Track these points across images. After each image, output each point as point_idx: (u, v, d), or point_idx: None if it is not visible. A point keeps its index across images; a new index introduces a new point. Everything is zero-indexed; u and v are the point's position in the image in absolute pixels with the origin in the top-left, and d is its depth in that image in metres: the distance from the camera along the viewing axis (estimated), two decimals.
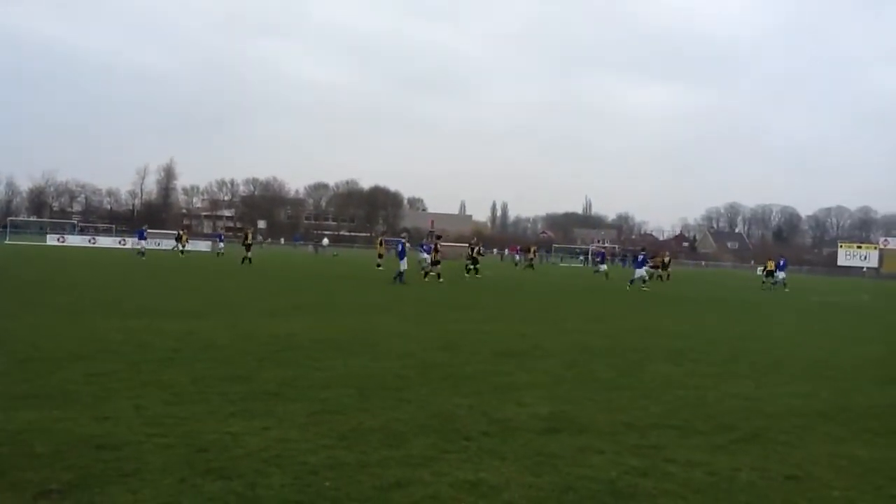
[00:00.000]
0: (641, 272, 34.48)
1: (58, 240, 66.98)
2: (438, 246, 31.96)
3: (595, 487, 4.97)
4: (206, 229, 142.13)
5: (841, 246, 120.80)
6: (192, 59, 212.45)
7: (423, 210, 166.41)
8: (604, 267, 45.81)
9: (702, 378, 9.78)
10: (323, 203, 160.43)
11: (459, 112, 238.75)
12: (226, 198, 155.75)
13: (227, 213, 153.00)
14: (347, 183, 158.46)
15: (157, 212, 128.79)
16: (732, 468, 5.60)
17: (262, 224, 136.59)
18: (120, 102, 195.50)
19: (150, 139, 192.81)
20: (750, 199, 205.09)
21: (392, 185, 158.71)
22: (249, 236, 41.50)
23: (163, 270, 30.49)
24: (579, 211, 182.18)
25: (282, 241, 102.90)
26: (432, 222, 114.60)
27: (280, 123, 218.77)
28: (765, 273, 47.03)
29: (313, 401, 7.09)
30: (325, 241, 80.00)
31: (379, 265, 38.16)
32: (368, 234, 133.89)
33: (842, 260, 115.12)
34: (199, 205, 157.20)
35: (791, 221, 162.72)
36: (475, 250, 38.51)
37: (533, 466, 5.35)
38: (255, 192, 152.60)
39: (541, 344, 12.30)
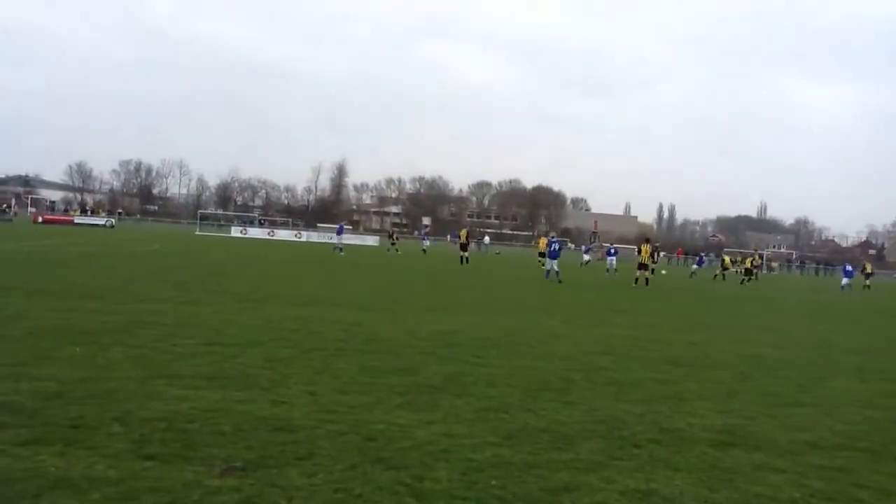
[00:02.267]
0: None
1: (240, 232, 71.71)
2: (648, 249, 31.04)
3: None
4: (375, 225, 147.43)
5: None
6: (360, 64, 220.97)
7: (587, 210, 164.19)
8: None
9: (893, 398, 8.96)
10: (485, 201, 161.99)
11: (626, 112, 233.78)
12: (393, 195, 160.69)
13: (394, 209, 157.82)
14: (510, 182, 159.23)
15: (329, 207, 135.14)
16: None
17: (426, 221, 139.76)
18: (298, 103, 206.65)
19: (325, 139, 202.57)
20: None
21: (555, 185, 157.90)
22: (464, 235, 41.64)
23: (341, 263, 31.85)
24: (753, 214, 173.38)
25: (447, 238, 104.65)
26: (595, 223, 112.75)
27: (445, 123, 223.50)
28: None
29: (478, 397, 7.11)
30: (487, 239, 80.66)
31: (541, 262, 38.71)
32: (530, 234, 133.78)
33: None
34: (368, 201, 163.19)
35: None
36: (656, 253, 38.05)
37: (708, 480, 5.08)
38: (421, 190, 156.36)
39: (710, 353, 11.73)
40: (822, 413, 7.72)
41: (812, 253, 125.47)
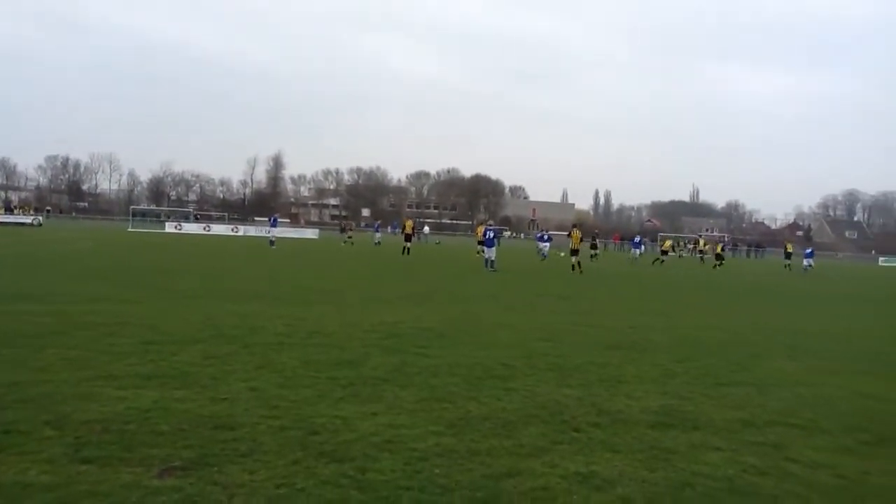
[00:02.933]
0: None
1: (175, 227, 70.23)
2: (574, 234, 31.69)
3: (713, 485, 4.78)
4: (314, 217, 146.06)
5: None
6: (298, 54, 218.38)
7: (525, 198, 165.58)
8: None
9: (824, 375, 9.29)
10: (425, 191, 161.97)
11: (562, 101, 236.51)
12: (331, 187, 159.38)
13: (332, 201, 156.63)
14: (449, 171, 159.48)
15: (266, 200, 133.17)
16: (862, 471, 5.29)
17: (366, 212, 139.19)
18: (232, 96, 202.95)
19: (260, 130, 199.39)
20: (871, 187, 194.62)
21: (493, 174, 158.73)
22: (409, 227, 42.02)
23: (279, 257, 31.45)
24: (686, 199, 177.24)
25: (388, 229, 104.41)
26: (534, 210, 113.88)
27: (383, 114, 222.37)
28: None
29: (421, 388, 7.13)
30: (427, 229, 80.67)
31: (479, 252, 39.15)
32: (470, 223, 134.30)
33: None
34: (305, 193, 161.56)
35: None
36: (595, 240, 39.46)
37: (647, 461, 5.20)
38: (360, 181, 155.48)
39: (649, 337, 11.98)
40: (756, 392, 7.97)
41: (743, 236, 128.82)
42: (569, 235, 32.07)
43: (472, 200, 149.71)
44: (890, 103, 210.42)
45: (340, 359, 8.41)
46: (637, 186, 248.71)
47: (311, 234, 75.45)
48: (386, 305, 14.36)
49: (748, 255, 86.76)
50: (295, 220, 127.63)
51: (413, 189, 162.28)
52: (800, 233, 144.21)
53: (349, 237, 55.16)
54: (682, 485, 4.75)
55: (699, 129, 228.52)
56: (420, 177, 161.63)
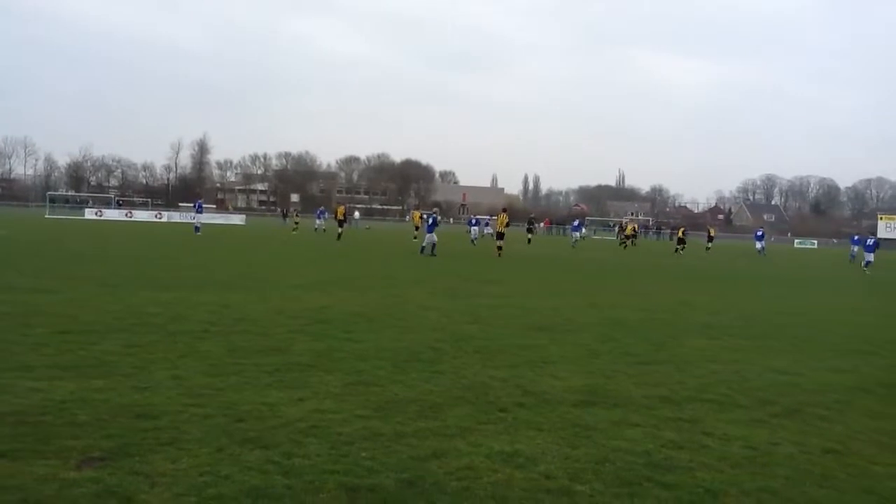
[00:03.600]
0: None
1: (95, 214, 68.07)
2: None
3: (631, 459, 4.94)
4: (241, 203, 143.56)
5: (881, 218, 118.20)
6: (226, 36, 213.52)
7: (455, 183, 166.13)
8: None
9: (738, 352, 9.67)
10: (355, 177, 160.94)
11: (492, 86, 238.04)
12: (259, 172, 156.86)
13: (260, 186, 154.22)
14: (379, 157, 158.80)
15: (191, 186, 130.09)
16: (771, 442, 5.54)
17: (295, 198, 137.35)
18: (154, 77, 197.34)
19: (184, 114, 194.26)
20: (787, 171, 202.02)
21: (424, 159, 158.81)
22: (341, 213, 41.69)
23: (205, 243, 30.80)
24: (613, 183, 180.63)
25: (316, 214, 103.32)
26: (465, 195, 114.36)
27: (313, 98, 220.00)
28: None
29: (348, 372, 7.14)
30: (357, 214, 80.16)
31: (415, 237, 40.71)
32: (400, 208, 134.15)
33: (882, 232, 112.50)
34: (232, 179, 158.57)
35: (830, 193, 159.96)
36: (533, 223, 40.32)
37: (569, 438, 5.34)
38: (288, 166, 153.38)
39: (574, 318, 12.23)
40: (674, 369, 8.24)
41: (667, 219, 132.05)
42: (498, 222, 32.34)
43: (402, 186, 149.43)
44: (804, 92, 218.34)
45: (266, 345, 8.34)
46: (565, 171, 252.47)
47: (238, 219, 74.15)
48: (314, 291, 14.25)
49: (671, 238, 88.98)
50: (221, 206, 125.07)
51: (343, 174, 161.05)
52: (721, 216, 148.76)
53: (296, 223, 54.68)
54: (602, 460, 4.90)
55: (626, 115, 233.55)
56: (350, 162, 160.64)
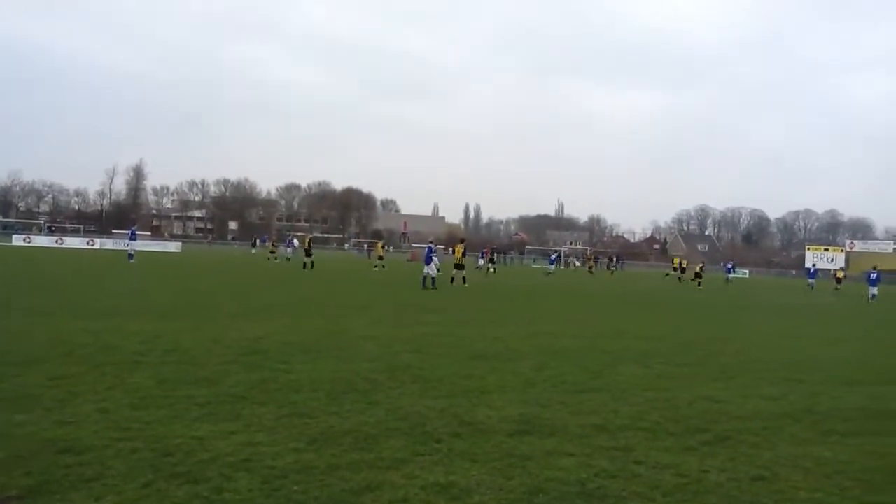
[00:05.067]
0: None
1: (24, 240, 65.92)
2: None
3: (565, 489, 4.97)
4: (177, 230, 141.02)
5: (808, 248, 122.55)
6: (163, 59, 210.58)
7: (397, 211, 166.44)
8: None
9: (672, 380, 9.83)
10: (295, 204, 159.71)
11: (433, 115, 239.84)
12: (196, 198, 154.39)
13: (197, 213, 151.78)
14: (320, 184, 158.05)
15: (125, 212, 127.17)
16: (701, 470, 5.63)
17: (233, 225, 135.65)
18: (89, 101, 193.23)
19: (120, 139, 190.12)
20: (720, 202, 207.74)
21: (365, 187, 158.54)
22: (310, 243, 42.52)
23: (139, 271, 30.07)
24: (552, 213, 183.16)
25: (257, 242, 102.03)
26: (406, 224, 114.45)
27: (253, 125, 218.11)
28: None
29: (282, 404, 7.02)
30: (297, 242, 79.38)
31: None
32: (341, 236, 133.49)
33: (809, 262, 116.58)
34: (169, 205, 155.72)
35: (760, 224, 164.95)
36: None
37: (503, 469, 5.34)
38: (227, 193, 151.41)
39: (513, 347, 12.29)
40: (610, 398, 8.33)
41: (605, 248, 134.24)
42: (453, 252, 32.57)
43: (343, 214, 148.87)
44: (738, 125, 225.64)
45: (198, 377, 8.15)
46: (506, 200, 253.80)
47: (173, 247, 72.69)
48: (251, 320, 14.03)
49: (608, 267, 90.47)
50: (157, 233, 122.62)
51: (283, 202, 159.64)
52: (657, 246, 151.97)
53: (272, 251, 55.96)
54: (536, 490, 4.91)
55: (565, 145, 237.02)
56: (290, 189, 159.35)
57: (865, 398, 9.33)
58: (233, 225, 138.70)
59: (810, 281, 55.22)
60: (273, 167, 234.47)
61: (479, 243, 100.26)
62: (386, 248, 49.91)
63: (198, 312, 15.04)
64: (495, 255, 56.96)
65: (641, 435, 6.66)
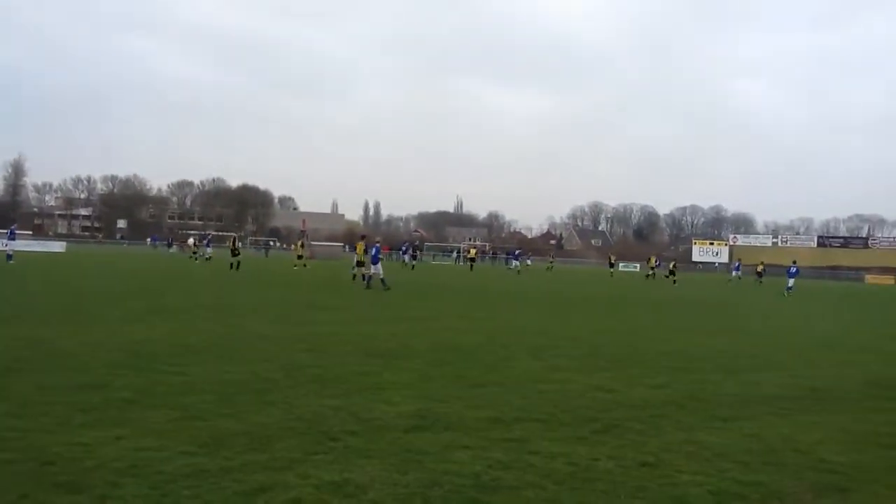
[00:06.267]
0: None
1: None
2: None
3: (460, 482, 5.03)
4: (61, 229, 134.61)
5: (695, 243, 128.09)
6: (47, 51, 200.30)
7: (295, 209, 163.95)
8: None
9: (565, 372, 10.10)
10: (188, 202, 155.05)
11: (332, 112, 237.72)
12: (82, 196, 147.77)
13: (83, 212, 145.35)
14: (214, 181, 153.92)
15: (5, 211, 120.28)
16: (591, 458, 5.82)
17: (122, 224, 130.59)
18: None
19: None
20: (612, 199, 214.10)
21: (261, 184, 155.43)
22: (235, 242, 40.91)
23: (18, 272, 28.48)
24: (451, 210, 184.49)
25: (147, 241, 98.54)
26: (304, 221, 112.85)
27: (143, 120, 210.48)
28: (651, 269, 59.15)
29: (172, 407, 6.82)
30: (191, 241, 77.00)
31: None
32: (237, 234, 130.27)
33: (696, 256, 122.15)
34: (52, 203, 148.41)
35: (650, 220, 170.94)
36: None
37: (399, 464, 5.36)
38: (115, 190, 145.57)
39: (410, 343, 12.34)
40: (504, 391, 8.49)
41: (503, 244, 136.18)
42: (354, 249, 32.39)
43: (239, 211, 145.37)
44: (627, 124, 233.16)
45: (83, 382, 7.81)
46: (405, 197, 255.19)
47: (58, 246, 69.23)
48: (142, 322, 13.53)
49: (506, 263, 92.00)
50: (39, 232, 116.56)
51: (175, 199, 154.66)
52: (553, 241, 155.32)
53: (194, 252, 54.91)
54: (431, 484, 4.96)
55: (464, 142, 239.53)
56: (183, 186, 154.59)
57: (743, 385, 9.86)
58: (121, 223, 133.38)
59: (734, 274, 57.68)
60: (164, 164, 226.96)
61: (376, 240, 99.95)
62: (305, 246, 48.92)
63: (84, 315, 14.40)
64: (416, 251, 57.35)
65: (535, 426, 6.82)
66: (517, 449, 5.97)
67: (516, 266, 51.67)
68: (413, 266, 51.64)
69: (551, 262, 72.60)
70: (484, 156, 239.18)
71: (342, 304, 20.10)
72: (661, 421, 7.34)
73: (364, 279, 29.28)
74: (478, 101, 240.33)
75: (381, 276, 27.67)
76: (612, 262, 62.13)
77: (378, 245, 30.46)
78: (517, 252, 57.50)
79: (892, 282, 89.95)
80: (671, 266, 53.66)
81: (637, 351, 12.92)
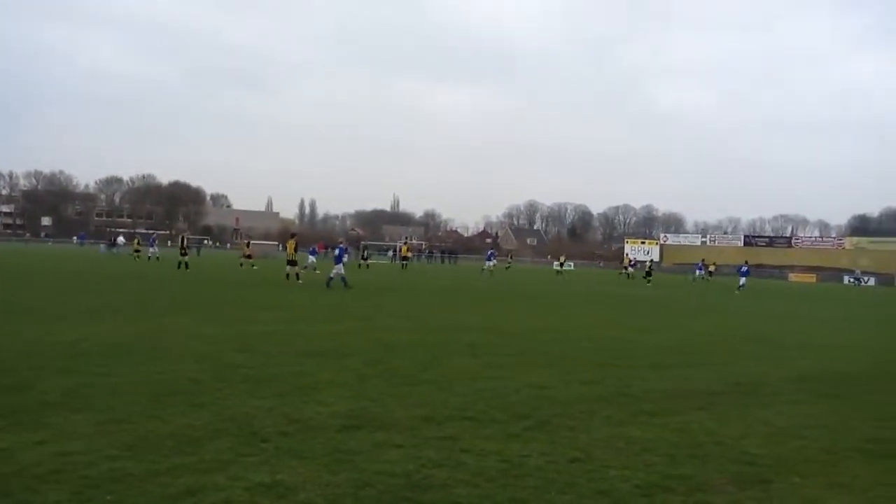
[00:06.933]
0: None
1: None
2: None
3: (392, 482, 5.04)
4: None
5: (627, 241, 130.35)
6: None
7: (228, 207, 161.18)
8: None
9: (500, 370, 10.19)
10: (117, 199, 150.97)
11: (267, 109, 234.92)
12: (3, 192, 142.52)
13: (5, 208, 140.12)
14: (144, 177, 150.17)
15: None
16: (522, 454, 5.89)
17: (46, 221, 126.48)
18: None
19: None
20: (547, 198, 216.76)
21: (194, 181, 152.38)
22: (184, 241, 39.63)
23: None
24: (388, 208, 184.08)
25: (74, 239, 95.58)
26: (238, 219, 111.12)
27: (69, 114, 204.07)
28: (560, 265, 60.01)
29: (99, 410, 6.65)
30: (122, 239, 75.04)
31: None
32: (168, 232, 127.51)
33: (629, 254, 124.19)
34: None
35: (584, 219, 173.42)
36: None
37: (331, 464, 5.34)
38: (39, 186, 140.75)
39: (347, 342, 12.28)
40: (438, 389, 8.53)
41: (439, 243, 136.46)
42: (285, 248, 32.06)
43: (170, 209, 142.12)
44: (562, 122, 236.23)
45: (5, 384, 7.56)
46: (342, 196, 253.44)
47: None
48: (70, 322, 13.14)
49: (442, 261, 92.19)
50: None
51: (103, 196, 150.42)
52: (489, 240, 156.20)
53: (136, 251, 52.51)
54: (363, 484, 4.95)
55: (401, 141, 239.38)
56: (111, 182, 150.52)
57: (671, 380, 10.11)
58: (46, 220, 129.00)
59: (697, 273, 58.86)
60: (92, 160, 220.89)
61: (313, 239, 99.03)
62: (249, 244, 48.01)
63: (12, 315, 13.90)
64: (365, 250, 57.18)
65: (468, 424, 6.87)
66: (449, 447, 6.01)
67: (489, 267, 51.56)
68: (368, 266, 51.31)
69: (509, 263, 72.40)
70: (421, 155, 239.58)
71: (278, 304, 19.85)
72: (592, 417, 7.48)
73: (298, 278, 29.39)
74: (416, 100, 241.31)
75: (343, 275, 27.83)
76: (562, 262, 62.61)
77: (342, 246, 30.57)
78: (490, 253, 57.52)
79: (813, 280, 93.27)
80: (647, 267, 54.76)
81: (571, 348, 13.12)
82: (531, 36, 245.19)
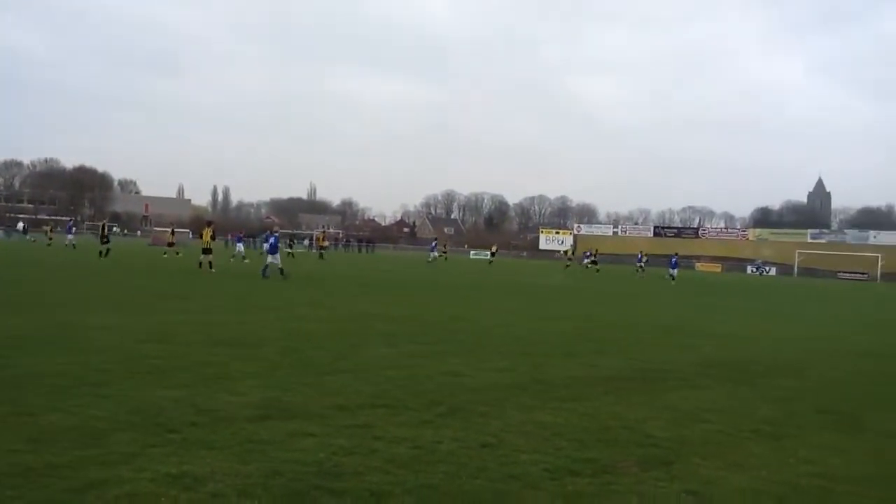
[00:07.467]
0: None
1: None
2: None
3: (302, 470, 5.02)
4: None
5: (542, 231, 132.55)
6: None
7: (137, 193, 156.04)
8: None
9: (415, 358, 10.26)
10: (16, 183, 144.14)
11: (184, 93, 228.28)
12: None
13: None
14: (47, 161, 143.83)
15: None
16: (434, 440, 5.96)
17: None
18: None
19: None
20: (464, 188, 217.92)
21: (100, 166, 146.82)
22: (104, 229, 39.11)
23: None
24: (304, 196, 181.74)
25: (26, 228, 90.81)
26: (147, 206, 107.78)
27: None
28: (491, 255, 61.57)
29: (0, 403, 6.39)
30: (21, 225, 71.86)
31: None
32: (73, 219, 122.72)
33: (543, 244, 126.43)
34: None
35: (500, 209, 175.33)
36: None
37: (241, 454, 5.28)
38: None
39: (258, 331, 12.12)
40: (352, 378, 8.52)
41: (357, 232, 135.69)
42: (200, 236, 31.62)
43: (74, 195, 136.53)
44: (482, 114, 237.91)
45: None
46: (257, 183, 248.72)
47: None
48: None
49: (359, 251, 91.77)
50: None
51: (1, 180, 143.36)
52: (406, 229, 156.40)
53: (50, 238, 51.69)
54: (273, 473, 4.91)
55: (317, 129, 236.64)
56: (10, 166, 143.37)
57: (582, 367, 10.39)
58: None
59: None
60: None
61: (228, 227, 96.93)
62: (174, 232, 46.61)
63: None
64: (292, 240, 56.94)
65: (382, 412, 6.89)
66: (362, 435, 6.03)
67: (434, 257, 52.46)
68: (294, 255, 50.78)
69: (444, 252, 71.63)
70: (338, 143, 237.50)
71: (191, 293, 19.40)
72: (504, 403, 7.61)
73: (211, 266, 28.87)
74: (333, 88, 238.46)
75: (279, 266, 27.67)
76: (493, 251, 63.41)
77: (276, 235, 30.30)
78: (434, 244, 58.62)
79: (719, 269, 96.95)
80: (593, 254, 56.14)
81: (485, 336, 13.31)
82: (458, 26, 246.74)
